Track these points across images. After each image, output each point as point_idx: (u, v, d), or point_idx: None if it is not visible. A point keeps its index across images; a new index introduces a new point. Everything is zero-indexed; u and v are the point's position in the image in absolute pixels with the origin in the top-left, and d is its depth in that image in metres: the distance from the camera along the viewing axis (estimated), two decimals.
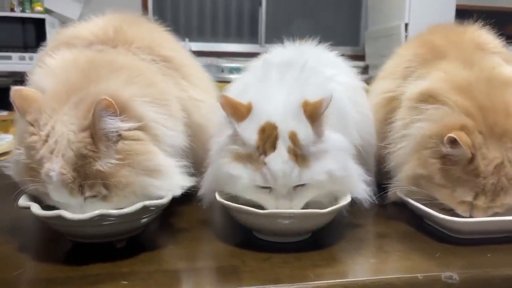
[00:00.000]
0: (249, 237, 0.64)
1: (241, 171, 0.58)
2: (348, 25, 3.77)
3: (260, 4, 3.66)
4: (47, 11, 3.00)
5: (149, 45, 0.72)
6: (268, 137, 0.57)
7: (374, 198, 0.67)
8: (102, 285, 0.50)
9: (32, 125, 0.55)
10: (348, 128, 0.67)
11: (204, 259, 0.60)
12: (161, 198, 0.58)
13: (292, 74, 0.64)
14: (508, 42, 0.84)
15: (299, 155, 0.57)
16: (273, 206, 0.59)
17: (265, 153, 0.57)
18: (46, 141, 0.54)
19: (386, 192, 0.73)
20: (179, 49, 0.79)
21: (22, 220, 0.70)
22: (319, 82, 0.65)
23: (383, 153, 0.74)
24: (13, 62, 2.76)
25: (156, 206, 0.58)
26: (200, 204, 0.67)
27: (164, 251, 0.60)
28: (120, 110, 0.55)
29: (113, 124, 0.54)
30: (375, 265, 0.57)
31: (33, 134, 0.55)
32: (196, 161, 0.71)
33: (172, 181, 0.59)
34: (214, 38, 3.54)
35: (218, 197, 0.63)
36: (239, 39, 3.65)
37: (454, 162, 0.62)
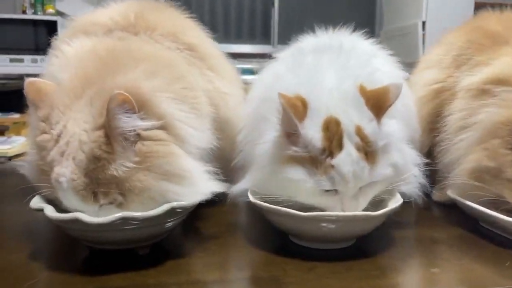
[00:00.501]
0: (285, 242, 0.57)
1: (304, 175, 0.51)
2: (363, 25, 3.69)
3: (272, 4, 3.60)
4: (59, 13, 2.97)
5: (172, 32, 0.66)
6: (333, 135, 0.50)
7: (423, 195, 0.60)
8: None
9: (43, 122, 0.49)
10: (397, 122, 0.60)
11: (239, 268, 0.53)
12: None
13: (334, 59, 0.58)
14: None
15: (368, 152, 0.51)
16: (338, 208, 0.52)
17: (331, 154, 0.50)
18: (57, 141, 0.48)
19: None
20: (203, 37, 0.73)
21: (34, 225, 0.64)
22: (366, 67, 0.58)
23: (434, 149, 0.67)
24: (25, 64, 2.74)
25: (184, 208, 0.52)
26: (228, 206, 0.60)
27: (192, 259, 0.53)
28: (139, 106, 0.49)
29: (130, 122, 0.48)
30: (438, 276, 0.50)
31: (45, 132, 0.49)
32: (222, 160, 0.64)
33: (196, 187, 0.52)
34: (226, 39, 3.49)
35: (252, 199, 0.56)
36: (251, 40, 3.59)
37: None
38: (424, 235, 0.63)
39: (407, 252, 0.55)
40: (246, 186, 0.58)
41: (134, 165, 0.48)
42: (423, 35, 3.03)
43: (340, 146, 0.50)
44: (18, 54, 2.70)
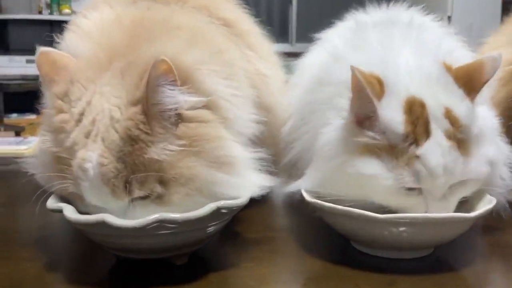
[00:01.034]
0: (348, 249, 0.48)
1: (380, 169, 0.42)
2: None
3: (290, 2, 3.53)
4: (75, 13, 2.94)
5: (206, 4, 0.57)
6: (418, 118, 0.41)
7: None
8: None
9: (61, 99, 0.41)
10: None
11: (298, 282, 0.44)
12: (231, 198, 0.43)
13: (407, 35, 0.49)
14: None
15: (460, 140, 0.42)
16: (422, 211, 0.42)
17: (416, 142, 0.41)
18: (79, 120, 0.40)
19: None
20: (240, 12, 0.64)
21: (51, 229, 0.56)
22: (443, 44, 0.49)
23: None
24: None
25: (231, 209, 0.42)
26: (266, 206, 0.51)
27: (239, 270, 0.44)
28: (182, 80, 0.40)
29: (175, 97, 0.40)
30: None
31: (62, 111, 0.41)
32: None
33: (247, 179, 0.44)
34: None
35: (307, 197, 0.47)
36: (269, 38, 3.51)
37: None
38: (508, 243, 0.52)
39: (503, 266, 0.45)
40: (307, 186, 0.48)
41: (180, 149, 0.39)
42: None
43: (426, 132, 0.41)
44: (34, 55, 2.67)
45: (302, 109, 0.56)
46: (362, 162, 0.42)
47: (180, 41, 0.44)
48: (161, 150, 0.39)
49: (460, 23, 2.88)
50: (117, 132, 0.39)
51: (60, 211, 0.41)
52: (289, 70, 0.71)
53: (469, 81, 0.43)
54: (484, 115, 0.45)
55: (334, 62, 0.51)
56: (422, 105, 0.42)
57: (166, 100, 0.39)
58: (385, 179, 0.41)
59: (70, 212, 0.40)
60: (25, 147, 1.01)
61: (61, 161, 0.40)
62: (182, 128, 0.40)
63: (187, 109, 0.41)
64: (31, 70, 2.65)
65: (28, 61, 2.71)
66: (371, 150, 0.42)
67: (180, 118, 0.40)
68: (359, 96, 0.43)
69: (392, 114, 0.41)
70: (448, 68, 0.44)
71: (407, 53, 0.46)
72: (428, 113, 0.41)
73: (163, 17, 0.49)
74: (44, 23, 2.74)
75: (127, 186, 0.39)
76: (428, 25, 0.58)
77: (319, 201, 0.45)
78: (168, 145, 0.39)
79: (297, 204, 0.52)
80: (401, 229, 0.41)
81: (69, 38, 0.49)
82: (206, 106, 0.42)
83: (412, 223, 0.41)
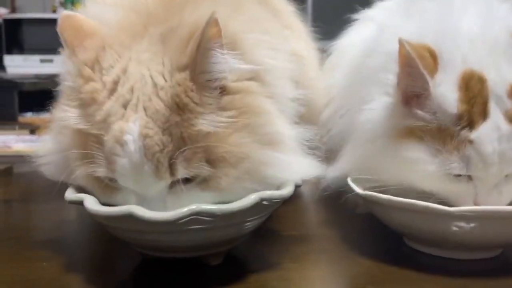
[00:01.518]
0: (403, 249, 0.42)
1: (425, 153, 0.38)
2: None
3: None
4: None
5: None
6: (475, 96, 0.36)
7: None
8: None
9: (90, 67, 0.36)
10: None
11: (353, 285, 0.38)
12: (274, 188, 0.37)
13: (469, 0, 0.43)
14: None
15: None
16: (470, 202, 0.37)
17: (471, 124, 0.36)
18: (113, 90, 0.35)
19: None
20: None
21: (70, 225, 0.51)
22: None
23: None
24: (55, 65, 2.70)
25: (274, 201, 0.37)
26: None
27: (281, 272, 0.39)
28: (230, 47, 0.36)
29: (225, 62, 0.35)
30: None
31: (92, 80, 0.36)
32: None
33: (299, 162, 0.39)
34: None
35: (356, 188, 0.41)
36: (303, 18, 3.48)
37: None
38: None
39: None
40: (342, 171, 0.44)
41: (230, 120, 0.34)
42: None
43: (484, 113, 0.36)
44: (48, 54, 2.66)
45: (344, 91, 0.50)
46: (405, 145, 0.38)
47: (225, 7, 0.40)
48: (210, 122, 0.34)
49: None
50: (162, 100, 0.34)
51: (80, 202, 0.36)
52: None
53: None
54: None
55: (381, 33, 0.46)
56: (481, 80, 0.37)
57: (216, 66, 0.35)
58: (428, 164, 0.37)
59: (91, 203, 0.35)
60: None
61: (88, 139, 0.35)
62: (228, 98, 0.36)
63: (234, 79, 0.36)
64: (45, 69, 2.64)
65: (42, 61, 2.71)
66: (417, 133, 0.38)
67: (225, 88, 0.36)
68: (408, 72, 0.38)
69: (445, 91, 0.36)
70: None
71: (469, 19, 0.40)
72: (488, 90, 0.36)
73: None
74: None
75: (172, 165, 0.34)
76: None
77: (374, 193, 0.39)
78: (217, 117, 0.35)
79: (330, 197, 0.46)
80: (472, 225, 0.36)
81: (90, 10, 0.44)
82: (253, 78, 0.38)
83: (491, 217, 0.35)
